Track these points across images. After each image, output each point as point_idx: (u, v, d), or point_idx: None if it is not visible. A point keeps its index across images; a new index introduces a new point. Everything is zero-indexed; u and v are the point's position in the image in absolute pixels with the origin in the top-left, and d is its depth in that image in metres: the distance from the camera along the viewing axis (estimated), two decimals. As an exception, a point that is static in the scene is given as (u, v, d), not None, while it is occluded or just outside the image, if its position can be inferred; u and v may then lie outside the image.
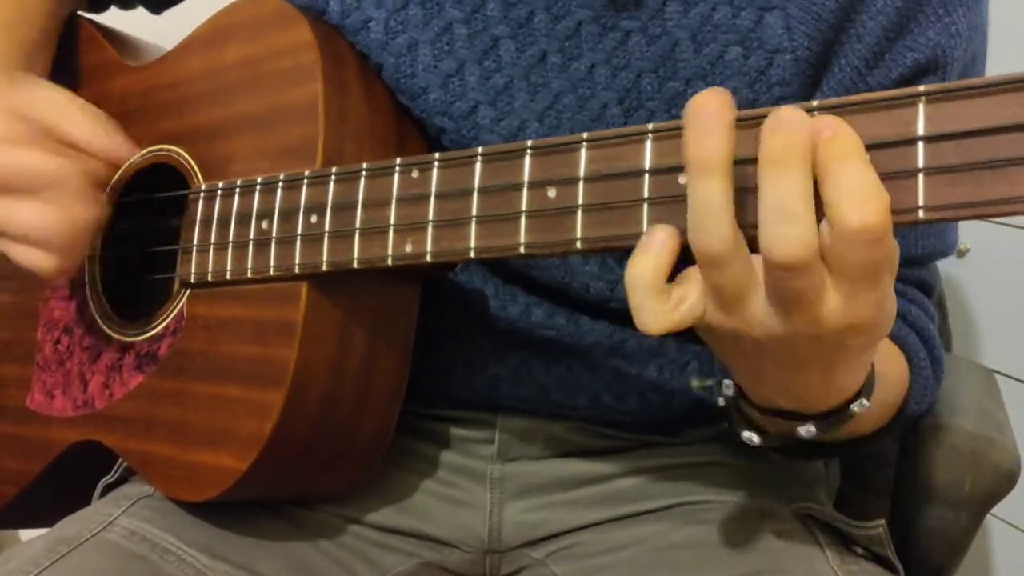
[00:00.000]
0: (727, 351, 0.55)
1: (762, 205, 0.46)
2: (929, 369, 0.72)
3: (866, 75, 0.68)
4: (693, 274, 0.50)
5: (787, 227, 0.45)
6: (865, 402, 0.57)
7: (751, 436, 0.61)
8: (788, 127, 0.45)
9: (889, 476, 0.86)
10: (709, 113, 0.46)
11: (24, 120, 0.72)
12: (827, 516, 0.74)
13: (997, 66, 0.74)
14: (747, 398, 0.60)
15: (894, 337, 0.71)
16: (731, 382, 0.61)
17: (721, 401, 0.62)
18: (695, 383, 0.62)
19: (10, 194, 0.70)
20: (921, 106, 0.43)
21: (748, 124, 0.47)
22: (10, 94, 0.74)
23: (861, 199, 0.44)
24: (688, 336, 0.66)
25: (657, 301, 0.49)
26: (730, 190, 0.46)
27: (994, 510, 0.83)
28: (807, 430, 0.58)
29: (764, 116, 0.46)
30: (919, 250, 0.74)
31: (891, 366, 0.70)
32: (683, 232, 0.48)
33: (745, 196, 0.47)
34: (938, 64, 0.67)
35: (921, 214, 0.43)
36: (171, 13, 0.91)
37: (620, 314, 0.74)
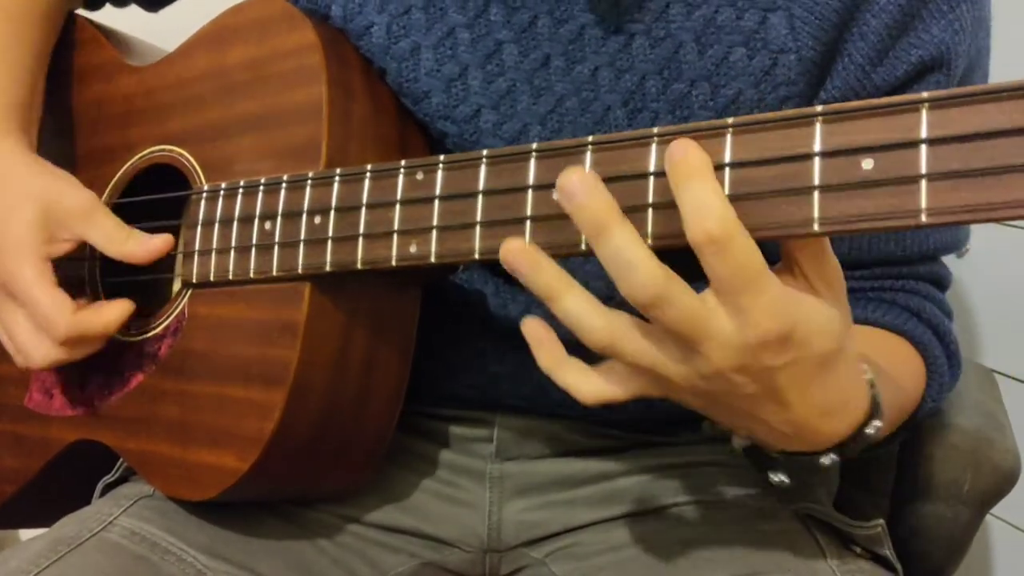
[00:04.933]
0: (719, 412, 0.55)
1: (604, 264, 0.49)
2: (945, 366, 0.72)
3: (871, 73, 0.68)
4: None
5: (632, 275, 0.48)
6: (878, 423, 0.56)
7: (779, 478, 0.60)
8: (578, 201, 0.49)
9: (889, 476, 0.86)
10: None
11: (51, 222, 0.73)
12: (826, 516, 0.74)
13: (997, 66, 0.74)
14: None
15: (909, 335, 0.71)
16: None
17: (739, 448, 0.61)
18: (708, 426, 0.63)
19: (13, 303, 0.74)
20: (924, 112, 0.44)
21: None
22: (42, 184, 0.75)
23: (700, 215, 0.47)
24: None
25: (579, 375, 0.54)
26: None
27: (994, 510, 0.83)
28: (830, 459, 0.57)
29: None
30: (930, 245, 0.74)
31: (907, 364, 0.70)
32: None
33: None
34: (943, 61, 0.67)
35: (923, 217, 0.44)
36: (168, 12, 0.91)
37: (620, 312, 0.74)
